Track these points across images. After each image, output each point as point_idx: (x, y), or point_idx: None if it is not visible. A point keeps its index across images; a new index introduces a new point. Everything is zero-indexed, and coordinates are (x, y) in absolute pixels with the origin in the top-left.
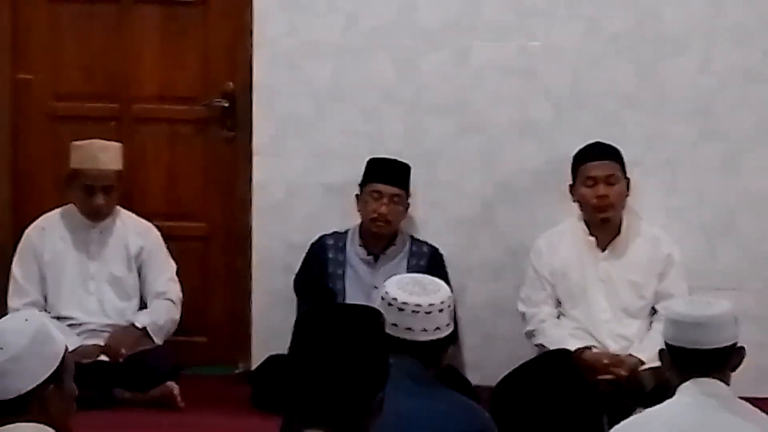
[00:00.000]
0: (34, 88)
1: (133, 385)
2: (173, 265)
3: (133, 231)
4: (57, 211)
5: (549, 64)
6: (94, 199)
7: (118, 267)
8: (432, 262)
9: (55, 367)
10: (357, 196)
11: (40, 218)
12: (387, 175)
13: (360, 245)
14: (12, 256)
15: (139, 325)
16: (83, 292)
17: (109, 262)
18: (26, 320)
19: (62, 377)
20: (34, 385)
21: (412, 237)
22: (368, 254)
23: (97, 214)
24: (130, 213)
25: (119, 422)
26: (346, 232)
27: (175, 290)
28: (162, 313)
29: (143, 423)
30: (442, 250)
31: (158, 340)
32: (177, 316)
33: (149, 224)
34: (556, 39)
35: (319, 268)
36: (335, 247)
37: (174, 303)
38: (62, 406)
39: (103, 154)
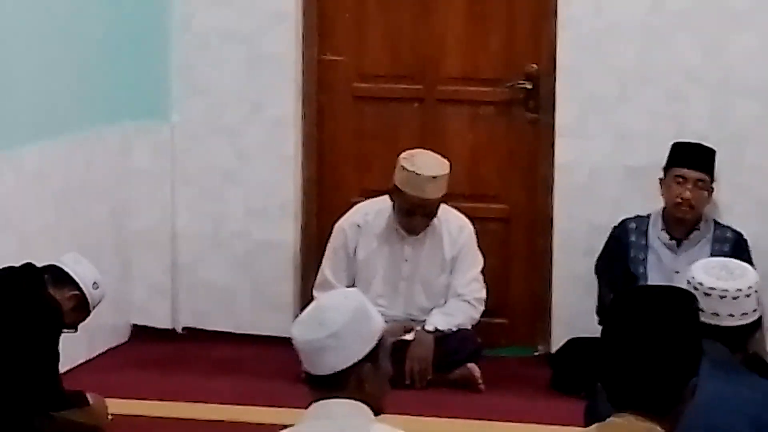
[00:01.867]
0: (339, 68)
1: (434, 367)
2: (480, 263)
3: (449, 233)
4: (374, 206)
5: None
6: (412, 221)
7: (432, 270)
8: (736, 248)
9: (372, 346)
10: (660, 179)
11: (355, 212)
12: (692, 160)
13: (662, 229)
14: (317, 234)
15: (430, 328)
16: (392, 292)
17: (423, 264)
18: (346, 298)
19: (379, 356)
20: (352, 362)
21: (715, 221)
22: (671, 239)
23: (411, 233)
24: (448, 209)
25: (416, 402)
26: (648, 216)
27: (475, 290)
28: (458, 315)
29: (443, 404)
30: (746, 235)
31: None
32: (476, 315)
33: (464, 222)
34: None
35: (620, 252)
36: (637, 231)
37: (472, 305)
38: (378, 385)
39: (431, 186)
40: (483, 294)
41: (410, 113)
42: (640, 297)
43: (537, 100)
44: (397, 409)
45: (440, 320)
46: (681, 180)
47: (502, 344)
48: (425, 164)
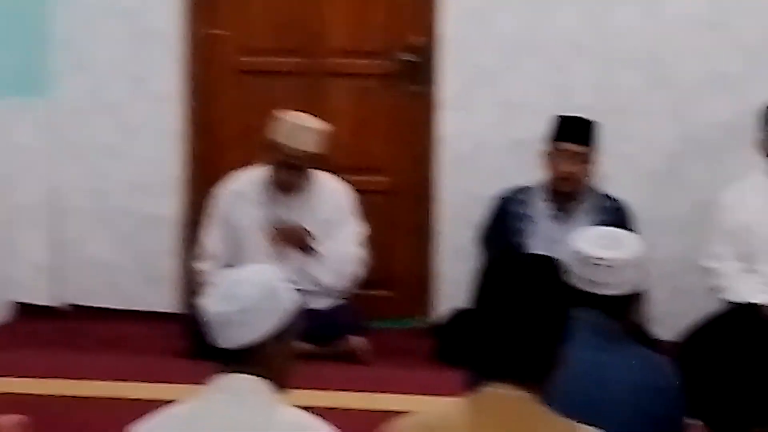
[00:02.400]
0: (223, 43)
1: (317, 340)
2: (360, 227)
3: (327, 196)
4: (249, 173)
5: (740, 16)
6: (285, 174)
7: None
8: (619, 216)
9: (281, 323)
10: (544, 152)
11: (230, 179)
12: (574, 133)
13: (546, 201)
14: (202, 209)
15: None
16: (267, 258)
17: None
18: (258, 273)
19: (287, 334)
20: (260, 338)
21: (598, 191)
22: (554, 210)
23: (286, 189)
24: (328, 176)
25: (302, 376)
26: (531, 186)
27: (354, 251)
28: (335, 268)
29: (328, 377)
30: (629, 204)
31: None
32: (352, 274)
33: (344, 187)
34: None
35: (503, 223)
36: (520, 201)
37: (349, 263)
38: (284, 361)
39: (305, 135)
40: (362, 255)
41: (295, 87)
42: (506, 266)
43: (421, 72)
44: None
45: (320, 269)
46: (564, 153)
47: (386, 316)
48: (300, 116)
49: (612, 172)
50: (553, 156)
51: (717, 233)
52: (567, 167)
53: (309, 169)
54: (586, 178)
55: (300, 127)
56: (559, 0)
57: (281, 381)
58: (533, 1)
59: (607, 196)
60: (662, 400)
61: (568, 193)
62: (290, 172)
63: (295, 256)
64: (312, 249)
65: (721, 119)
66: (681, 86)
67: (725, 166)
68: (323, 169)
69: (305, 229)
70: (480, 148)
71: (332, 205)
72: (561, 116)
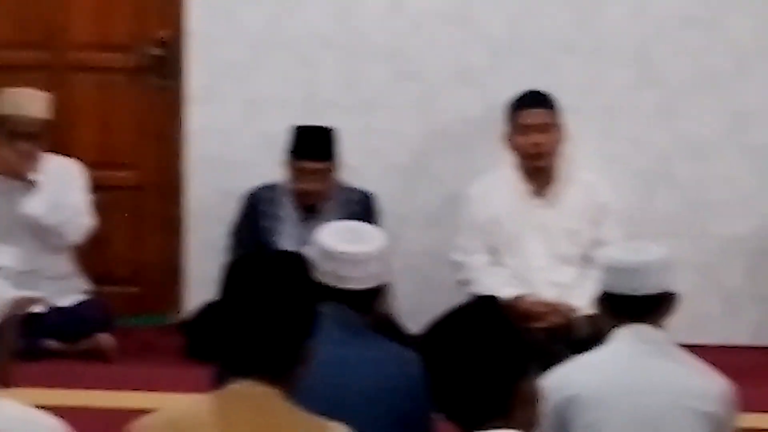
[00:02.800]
0: None
1: (63, 337)
2: (87, 196)
3: (55, 172)
4: None
5: (485, 10)
6: (19, 145)
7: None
8: (364, 208)
9: None
10: (284, 161)
11: None
12: (314, 150)
13: (291, 200)
14: None
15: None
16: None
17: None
18: None
19: (2, 331)
20: None
21: (345, 186)
22: (300, 210)
23: (22, 162)
24: (55, 156)
25: (49, 374)
26: (279, 184)
27: (82, 211)
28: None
29: (74, 375)
30: (376, 196)
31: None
32: (79, 228)
33: (72, 163)
34: None
35: (252, 222)
36: (269, 200)
37: (77, 221)
38: (2, 357)
39: (31, 102)
40: (90, 222)
41: (38, 82)
42: (252, 261)
43: (168, 66)
44: (28, 382)
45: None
46: (304, 171)
47: (135, 313)
48: (23, 89)
49: (360, 165)
50: (293, 171)
51: (465, 227)
52: (307, 185)
53: (41, 142)
54: (328, 188)
55: (25, 96)
56: None
57: (3, 377)
58: None
59: (354, 189)
60: (409, 395)
61: (314, 205)
62: (23, 143)
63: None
64: (28, 179)
65: (467, 113)
66: (427, 80)
67: (473, 160)
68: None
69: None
70: (228, 143)
71: (62, 181)
72: (300, 129)
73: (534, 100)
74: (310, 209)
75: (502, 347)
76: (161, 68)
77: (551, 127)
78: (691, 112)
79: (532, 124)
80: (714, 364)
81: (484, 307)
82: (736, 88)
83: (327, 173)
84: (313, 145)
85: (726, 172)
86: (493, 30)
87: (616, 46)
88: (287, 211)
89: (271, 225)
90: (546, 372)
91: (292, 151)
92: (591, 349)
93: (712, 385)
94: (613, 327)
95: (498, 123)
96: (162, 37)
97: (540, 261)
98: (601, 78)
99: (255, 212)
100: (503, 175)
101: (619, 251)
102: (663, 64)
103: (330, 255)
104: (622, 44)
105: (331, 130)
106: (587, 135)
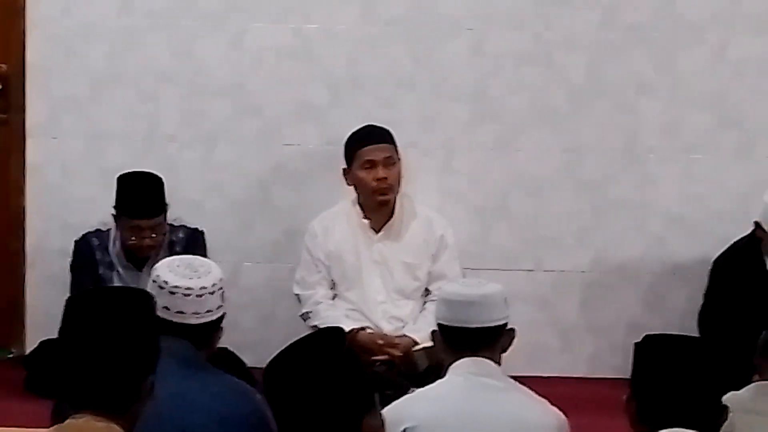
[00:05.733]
0: None
1: None
2: None
3: None
4: None
5: (325, 46)
6: None
7: None
8: (190, 244)
9: None
10: (113, 215)
11: None
12: (145, 209)
13: (121, 249)
14: None
15: None
16: None
17: None
18: None
19: None
20: None
21: (170, 225)
22: (129, 260)
23: None
24: None
25: None
26: (108, 230)
27: None
28: None
29: None
30: (208, 232)
31: None
32: None
33: None
34: (331, 22)
35: (87, 268)
36: (101, 247)
37: None
38: None
39: None
40: None
41: None
42: (93, 297)
43: (7, 99)
44: None
45: None
46: (135, 228)
47: None
48: None
49: (201, 199)
50: (126, 228)
51: (305, 261)
52: (141, 241)
53: None
54: (161, 239)
55: None
56: (146, 30)
57: None
58: (122, 30)
59: (176, 227)
60: (249, 428)
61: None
62: None
63: None
64: None
65: (307, 148)
66: (268, 115)
67: (313, 195)
68: None
69: None
70: (69, 178)
71: None
72: (128, 184)
73: (378, 136)
74: (140, 261)
75: (346, 381)
76: (1, 102)
77: (394, 161)
78: (526, 148)
79: (377, 160)
80: (551, 396)
81: (328, 339)
82: (570, 125)
83: (160, 226)
84: (144, 202)
85: (560, 207)
86: (332, 66)
87: (454, 83)
88: (117, 260)
89: (105, 273)
90: (386, 405)
91: (122, 209)
92: (430, 382)
93: (547, 417)
94: (451, 360)
95: (338, 158)
96: (2, 70)
97: (379, 295)
98: (439, 114)
99: (89, 259)
100: (343, 210)
101: (456, 285)
102: (500, 100)
103: (167, 290)
104: (460, 81)
105: (159, 179)
106: (425, 170)
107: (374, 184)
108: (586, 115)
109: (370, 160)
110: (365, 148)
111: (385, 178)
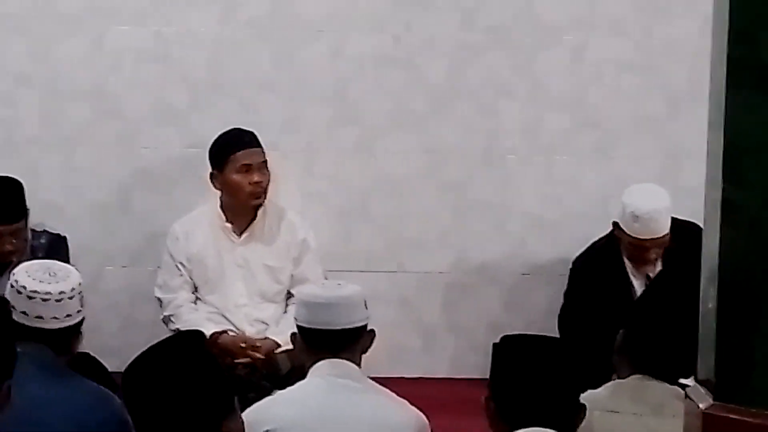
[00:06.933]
0: None
1: None
2: None
3: None
4: None
5: (184, 48)
6: None
7: None
8: (51, 250)
9: None
10: None
11: None
12: (6, 214)
13: None
14: None
15: None
16: None
17: None
18: None
19: None
20: None
21: (33, 230)
22: None
23: None
24: None
25: None
26: None
27: None
28: None
29: None
30: (74, 236)
31: None
32: None
33: None
34: (191, 24)
35: None
36: None
37: None
38: None
39: None
40: None
41: None
42: None
43: None
44: None
45: None
46: None
47: None
48: None
49: (60, 205)
50: None
51: (167, 264)
52: (3, 247)
53: None
54: (24, 242)
55: None
56: (4, 33)
57: None
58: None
59: (38, 233)
60: None
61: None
62: None
63: None
64: None
65: (168, 151)
66: (128, 118)
67: (174, 198)
68: None
69: None
70: None
71: None
72: None
73: (250, 139)
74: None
75: (205, 384)
76: None
77: (266, 166)
78: (388, 150)
79: (254, 164)
80: (413, 396)
81: (187, 342)
82: (431, 126)
83: (21, 231)
84: (4, 207)
85: (422, 208)
86: (193, 68)
87: (314, 85)
88: None
89: None
90: (247, 407)
91: None
92: (292, 384)
93: (407, 418)
94: (311, 362)
95: (199, 161)
96: None
97: (241, 298)
98: (301, 116)
99: None
100: (206, 213)
101: (315, 287)
102: (360, 102)
103: (25, 295)
104: (321, 83)
105: (19, 183)
106: (287, 172)
107: (250, 188)
108: (446, 117)
109: (247, 164)
110: (241, 152)
111: (260, 182)
